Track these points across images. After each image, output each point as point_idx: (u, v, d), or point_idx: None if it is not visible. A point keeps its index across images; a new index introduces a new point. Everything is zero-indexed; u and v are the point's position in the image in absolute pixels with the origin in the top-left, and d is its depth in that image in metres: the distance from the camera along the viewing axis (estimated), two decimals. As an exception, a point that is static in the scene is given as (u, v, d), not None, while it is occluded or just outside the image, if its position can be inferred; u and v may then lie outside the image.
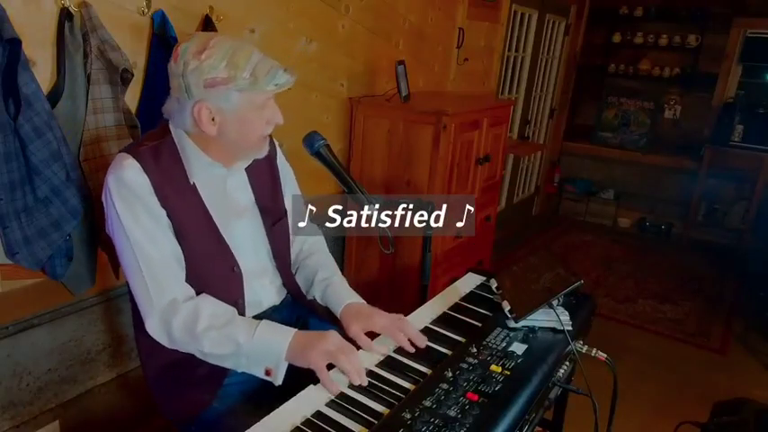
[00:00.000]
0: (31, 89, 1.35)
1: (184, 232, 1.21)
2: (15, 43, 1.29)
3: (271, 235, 1.40)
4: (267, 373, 1.16)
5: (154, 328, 1.18)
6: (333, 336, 1.16)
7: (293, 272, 1.50)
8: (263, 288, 1.39)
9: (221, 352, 1.16)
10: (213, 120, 1.17)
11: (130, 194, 1.15)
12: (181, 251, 1.21)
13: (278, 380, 1.15)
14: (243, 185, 1.36)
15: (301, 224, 1.51)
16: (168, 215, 1.19)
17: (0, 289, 1.51)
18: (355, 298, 1.40)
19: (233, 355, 1.16)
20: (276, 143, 1.46)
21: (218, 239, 1.27)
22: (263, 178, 1.41)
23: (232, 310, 1.24)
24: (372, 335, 1.29)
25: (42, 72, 1.45)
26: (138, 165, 1.15)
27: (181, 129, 1.22)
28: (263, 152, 1.29)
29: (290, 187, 1.49)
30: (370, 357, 1.23)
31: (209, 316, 1.17)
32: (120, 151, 1.20)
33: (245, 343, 1.14)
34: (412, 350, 1.24)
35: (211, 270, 1.26)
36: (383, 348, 1.25)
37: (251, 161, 1.34)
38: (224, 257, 1.29)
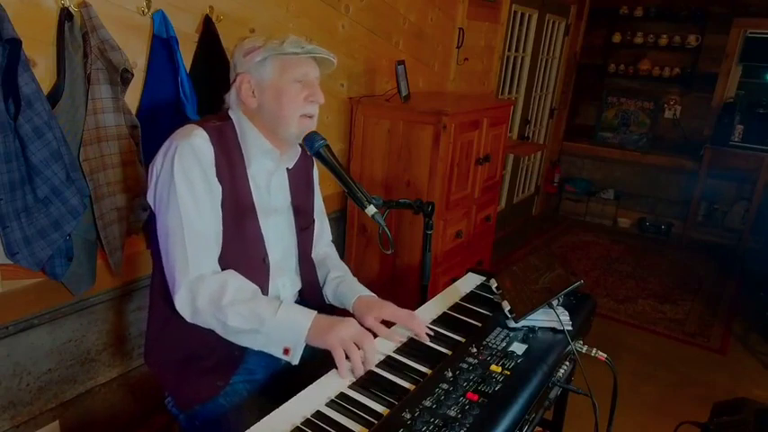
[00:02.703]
0: (31, 89, 1.35)
1: (227, 213, 1.25)
2: (15, 43, 1.29)
3: (300, 236, 1.45)
4: (285, 351, 1.17)
5: (181, 296, 1.20)
6: (352, 323, 1.19)
7: None
8: (284, 287, 1.42)
9: (244, 326, 1.17)
10: (253, 93, 1.28)
11: (194, 160, 1.20)
12: (221, 230, 1.25)
13: (295, 359, 1.17)
14: (283, 187, 1.42)
15: (323, 235, 1.61)
16: (222, 190, 1.24)
17: (0, 289, 1.51)
18: (367, 292, 1.45)
19: (253, 331, 1.17)
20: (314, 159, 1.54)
21: (257, 228, 1.32)
22: (302, 183, 1.48)
23: (256, 287, 1.26)
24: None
25: (42, 72, 1.45)
26: (207, 135, 1.22)
27: (234, 110, 1.32)
28: (304, 134, 1.33)
29: (317, 200, 1.57)
30: (386, 344, 1.26)
31: (236, 290, 1.19)
32: (186, 124, 1.26)
33: (269, 320, 1.16)
34: (425, 339, 1.28)
35: (244, 255, 1.30)
36: (399, 337, 1.29)
37: (297, 155, 1.41)
38: (258, 246, 1.33)
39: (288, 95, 1.27)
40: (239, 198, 1.28)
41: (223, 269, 1.26)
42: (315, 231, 1.54)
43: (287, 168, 1.42)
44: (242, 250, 1.30)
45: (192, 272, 1.19)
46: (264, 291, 1.34)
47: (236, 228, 1.28)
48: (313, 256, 1.56)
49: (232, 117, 1.32)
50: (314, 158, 1.52)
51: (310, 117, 1.32)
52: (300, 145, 1.40)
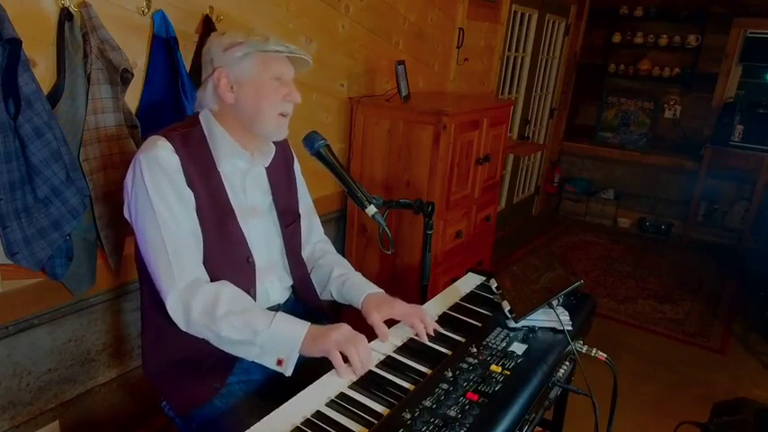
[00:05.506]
0: (31, 89, 1.35)
1: (206, 217, 1.25)
2: (15, 43, 1.29)
3: (286, 234, 1.44)
4: (279, 362, 1.17)
5: (173, 306, 1.19)
6: (344, 327, 1.19)
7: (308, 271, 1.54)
8: (272, 285, 1.42)
9: (237, 338, 1.17)
10: (231, 89, 1.27)
11: (161, 172, 1.19)
12: (201, 234, 1.24)
13: (288, 370, 1.17)
14: (262, 184, 1.41)
15: (314, 232, 1.59)
16: (194, 197, 1.23)
17: (0, 289, 1.51)
18: (375, 288, 1.44)
19: (247, 342, 1.17)
20: (294, 153, 1.53)
21: (237, 229, 1.31)
22: (282, 180, 1.46)
23: (250, 298, 1.26)
24: (389, 324, 1.34)
25: (42, 72, 1.45)
26: (170, 145, 1.22)
27: (208, 108, 1.31)
28: (279, 133, 1.34)
29: (303, 196, 1.56)
30: (383, 345, 1.27)
31: (230, 301, 1.19)
32: (151, 134, 1.25)
33: (263, 331, 1.16)
34: (426, 340, 1.28)
35: (227, 258, 1.29)
36: (396, 340, 1.29)
37: (272, 154, 1.39)
38: (240, 247, 1.32)
39: (267, 92, 1.26)
40: (216, 200, 1.28)
41: (208, 272, 1.25)
42: (303, 228, 1.52)
43: (265, 167, 1.41)
44: (225, 252, 1.29)
45: (179, 281, 1.18)
46: (252, 291, 1.33)
47: (216, 230, 1.27)
48: (306, 255, 1.54)
49: (201, 120, 1.31)
50: (295, 160, 1.53)
51: (285, 116, 1.31)
52: (284, 142, 1.40)
